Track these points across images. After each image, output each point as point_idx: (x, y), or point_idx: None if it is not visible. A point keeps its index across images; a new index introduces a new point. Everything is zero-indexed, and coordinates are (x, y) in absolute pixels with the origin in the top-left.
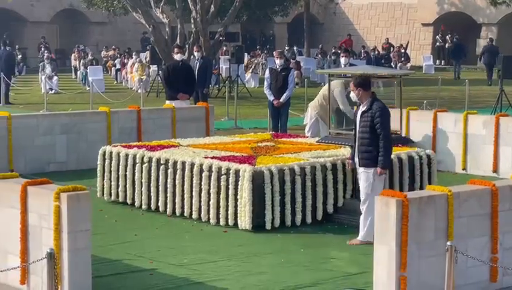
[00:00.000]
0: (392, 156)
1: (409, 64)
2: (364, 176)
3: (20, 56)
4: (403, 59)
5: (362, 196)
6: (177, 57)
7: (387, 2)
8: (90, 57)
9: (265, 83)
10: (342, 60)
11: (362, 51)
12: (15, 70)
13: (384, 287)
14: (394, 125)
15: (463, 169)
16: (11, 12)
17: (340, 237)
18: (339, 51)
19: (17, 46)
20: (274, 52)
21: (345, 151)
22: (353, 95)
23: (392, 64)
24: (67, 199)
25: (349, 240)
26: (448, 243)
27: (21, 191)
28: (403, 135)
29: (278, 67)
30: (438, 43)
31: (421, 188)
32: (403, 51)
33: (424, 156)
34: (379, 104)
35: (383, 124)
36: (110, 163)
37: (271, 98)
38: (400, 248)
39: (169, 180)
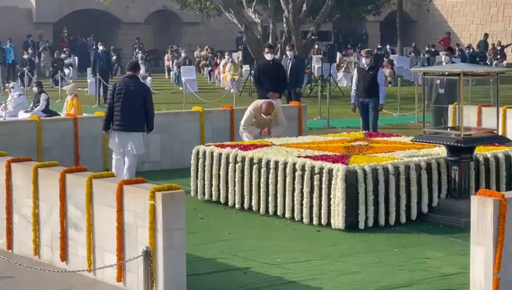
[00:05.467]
0: (489, 155)
1: (505, 62)
2: None
3: (114, 57)
4: (498, 57)
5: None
6: (268, 56)
7: None
8: (183, 55)
9: (354, 81)
10: (443, 58)
11: (457, 48)
12: (94, 72)
13: (481, 288)
14: (491, 124)
15: None
16: (105, 13)
17: (435, 237)
18: (433, 49)
19: (111, 47)
20: (362, 51)
21: (439, 151)
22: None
23: (487, 62)
24: (162, 197)
25: None
26: None
27: (117, 190)
28: (500, 133)
29: (365, 66)
30: None
31: None
32: (499, 48)
33: None
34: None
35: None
36: (204, 162)
37: (353, 100)
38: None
39: (262, 179)
